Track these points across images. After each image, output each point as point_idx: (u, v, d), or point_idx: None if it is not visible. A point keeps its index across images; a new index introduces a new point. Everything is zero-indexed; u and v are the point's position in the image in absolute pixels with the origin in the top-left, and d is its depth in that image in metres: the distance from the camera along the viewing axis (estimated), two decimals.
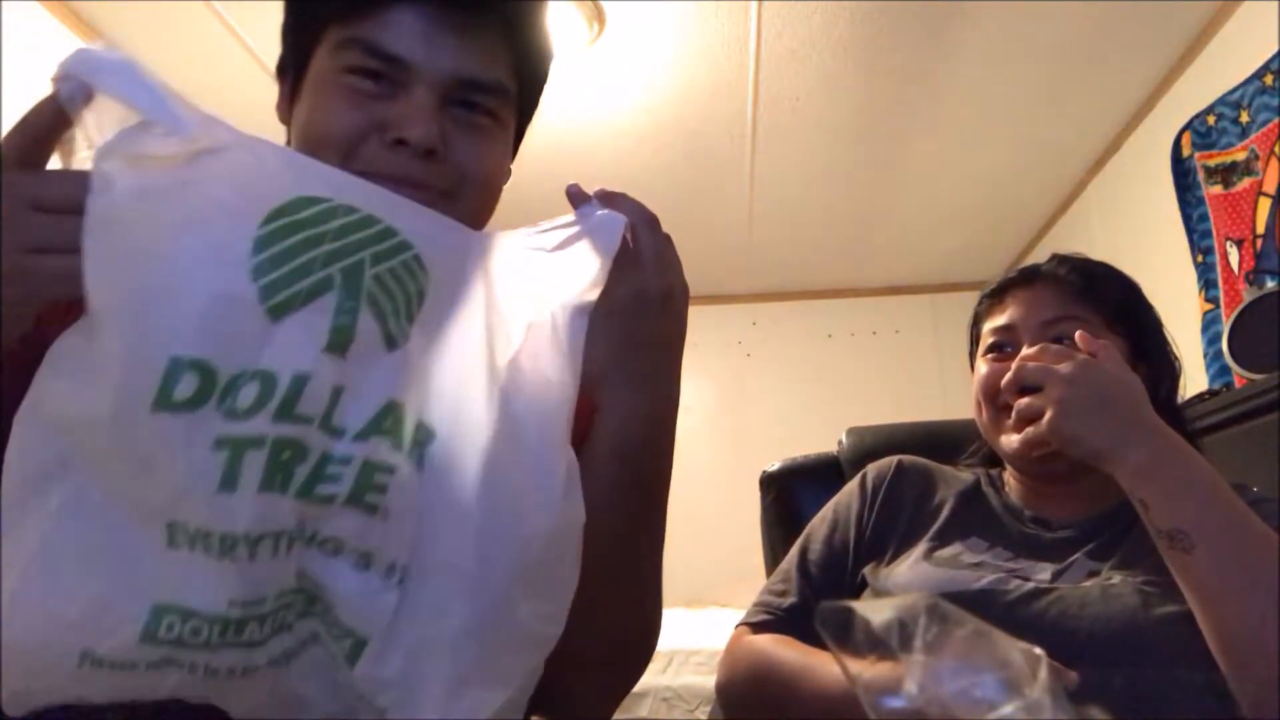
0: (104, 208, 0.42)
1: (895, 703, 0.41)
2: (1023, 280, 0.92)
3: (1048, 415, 0.74)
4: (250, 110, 2.91)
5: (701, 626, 2.51)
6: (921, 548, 0.86)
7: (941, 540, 0.87)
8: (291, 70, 0.68)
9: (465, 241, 0.56)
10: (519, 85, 0.69)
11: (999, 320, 0.91)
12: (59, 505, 0.44)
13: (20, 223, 0.45)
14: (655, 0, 2.09)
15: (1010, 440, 0.84)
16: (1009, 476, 0.94)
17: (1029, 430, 0.78)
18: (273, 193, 0.47)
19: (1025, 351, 0.82)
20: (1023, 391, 0.79)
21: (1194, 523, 0.68)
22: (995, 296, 0.94)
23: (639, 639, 0.69)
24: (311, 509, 0.48)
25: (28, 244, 0.44)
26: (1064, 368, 0.75)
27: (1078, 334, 0.80)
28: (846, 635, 0.45)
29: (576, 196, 0.60)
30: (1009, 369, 0.84)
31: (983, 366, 0.90)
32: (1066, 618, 0.72)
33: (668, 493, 0.66)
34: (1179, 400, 0.93)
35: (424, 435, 0.52)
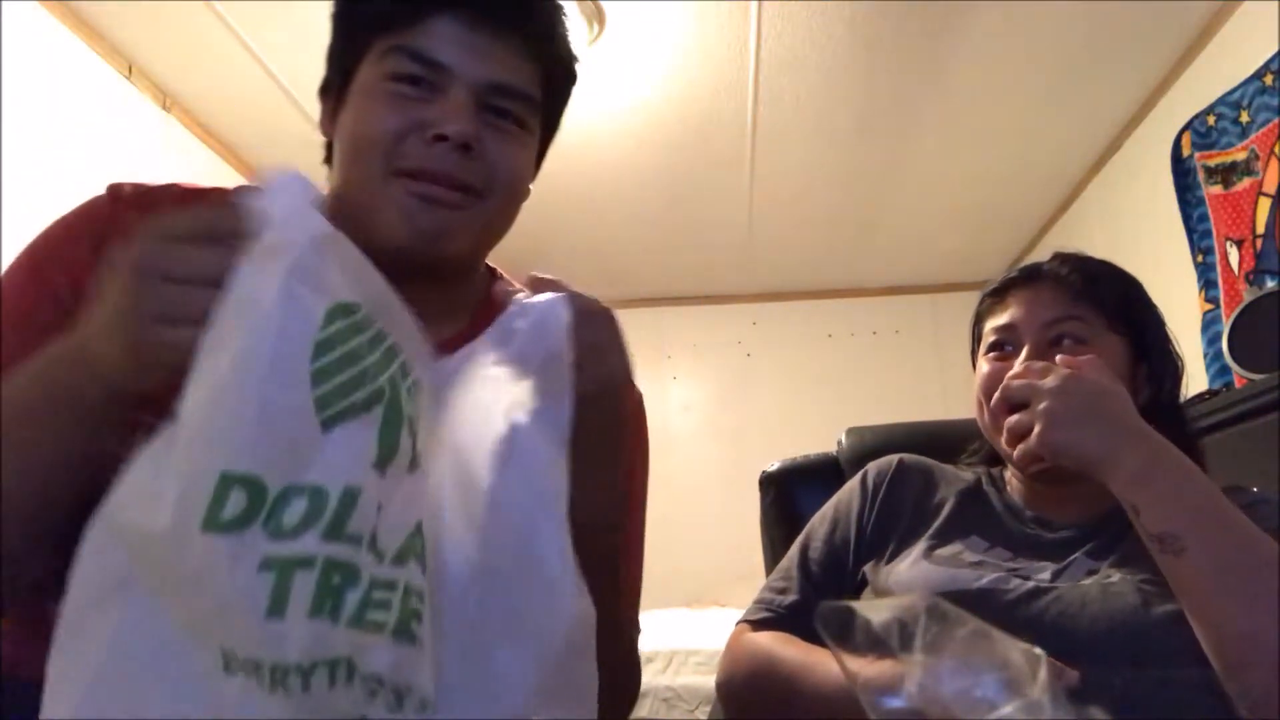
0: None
1: (895, 703, 0.41)
2: (1024, 279, 0.92)
3: (1036, 429, 0.74)
4: (250, 111, 2.91)
5: (701, 626, 2.51)
6: (922, 546, 0.86)
7: (942, 539, 0.87)
8: (336, 87, 0.73)
9: (445, 362, 0.57)
10: (544, 96, 0.76)
11: (1000, 319, 0.91)
12: (121, 621, 0.43)
13: (149, 292, 0.46)
14: (655, 0, 2.09)
15: (1012, 450, 0.84)
16: (1010, 476, 0.94)
17: (1021, 447, 0.77)
18: (329, 294, 0.46)
19: (1010, 372, 0.83)
20: (1011, 410, 0.80)
21: (1185, 526, 0.68)
22: (997, 295, 0.94)
23: (620, 707, 0.74)
24: (364, 638, 0.44)
25: (153, 314, 0.46)
26: (1048, 381, 0.75)
27: (1058, 358, 0.80)
28: (846, 635, 0.45)
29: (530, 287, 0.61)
30: (1010, 368, 0.85)
31: (984, 366, 0.90)
32: (1066, 617, 0.73)
33: (621, 569, 0.71)
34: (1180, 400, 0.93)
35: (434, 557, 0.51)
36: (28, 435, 0.52)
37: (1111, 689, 0.65)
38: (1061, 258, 0.92)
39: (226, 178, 2.70)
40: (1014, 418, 0.78)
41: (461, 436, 0.53)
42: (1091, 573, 0.78)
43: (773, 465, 1.25)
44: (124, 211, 0.69)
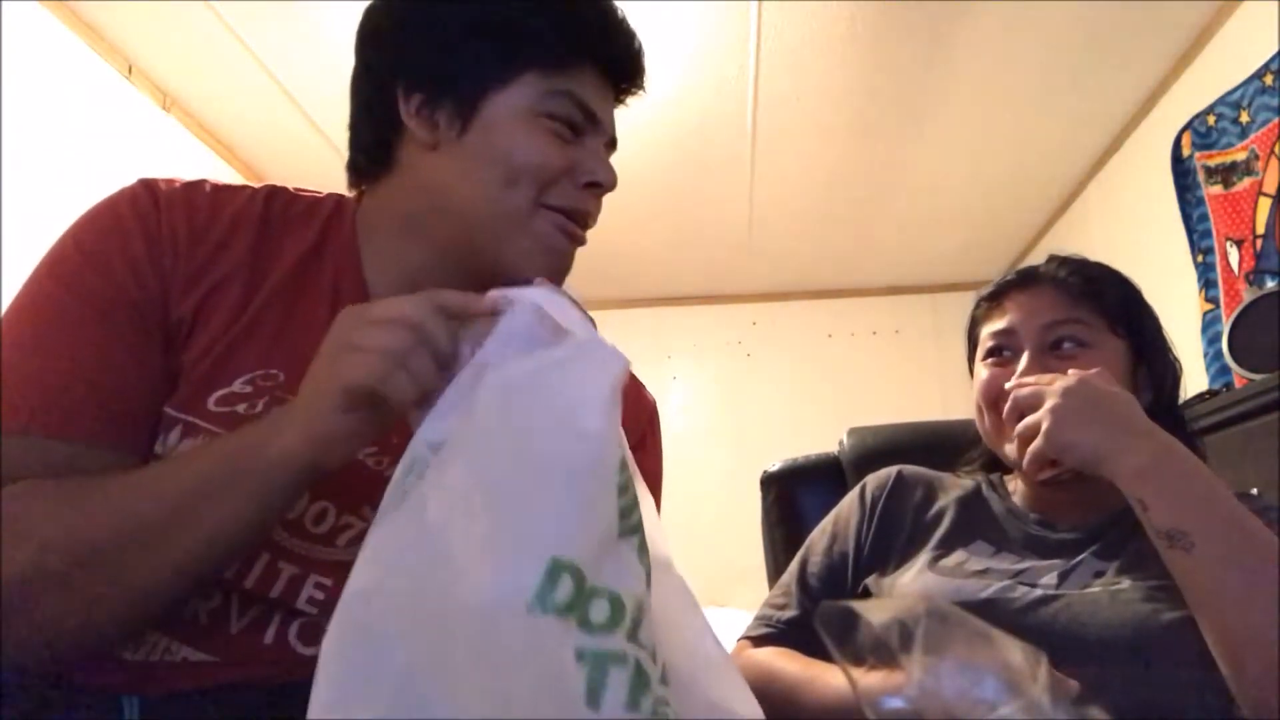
0: (495, 378, 0.47)
1: (895, 703, 0.41)
2: (1021, 283, 0.91)
3: (1044, 427, 0.75)
4: (250, 111, 2.91)
5: None
6: (925, 557, 0.85)
7: (945, 548, 0.86)
8: (460, 94, 0.71)
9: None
10: None
11: (998, 324, 0.90)
12: (396, 704, 0.40)
13: (410, 354, 0.52)
14: (655, 0, 2.09)
15: (1016, 449, 0.84)
16: (1012, 481, 0.93)
17: (1030, 449, 0.77)
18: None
19: (1013, 379, 0.83)
20: (1022, 417, 0.80)
21: (1193, 522, 0.68)
22: (993, 300, 0.93)
23: None
24: None
25: (403, 373, 0.52)
26: (1056, 383, 0.77)
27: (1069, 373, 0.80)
28: (847, 636, 0.45)
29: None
30: (1010, 374, 0.85)
31: (983, 372, 0.90)
32: (1077, 624, 0.72)
33: None
34: (1180, 400, 0.92)
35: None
36: (206, 510, 0.55)
37: (1112, 690, 0.65)
38: (1059, 260, 0.91)
39: (227, 178, 2.69)
40: (1024, 422, 0.79)
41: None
42: (1099, 574, 0.78)
43: (774, 465, 1.25)
44: (160, 200, 0.69)
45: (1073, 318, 0.86)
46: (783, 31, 2.23)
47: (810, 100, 2.53)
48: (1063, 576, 0.78)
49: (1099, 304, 0.87)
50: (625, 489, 0.47)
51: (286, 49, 2.21)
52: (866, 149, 2.80)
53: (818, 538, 0.95)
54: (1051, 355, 0.86)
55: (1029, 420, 0.77)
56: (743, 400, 3.91)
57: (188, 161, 2.53)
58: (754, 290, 3.94)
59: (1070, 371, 0.79)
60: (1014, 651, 0.42)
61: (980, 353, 0.92)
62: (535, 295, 0.52)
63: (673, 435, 3.93)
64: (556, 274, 0.75)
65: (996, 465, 0.95)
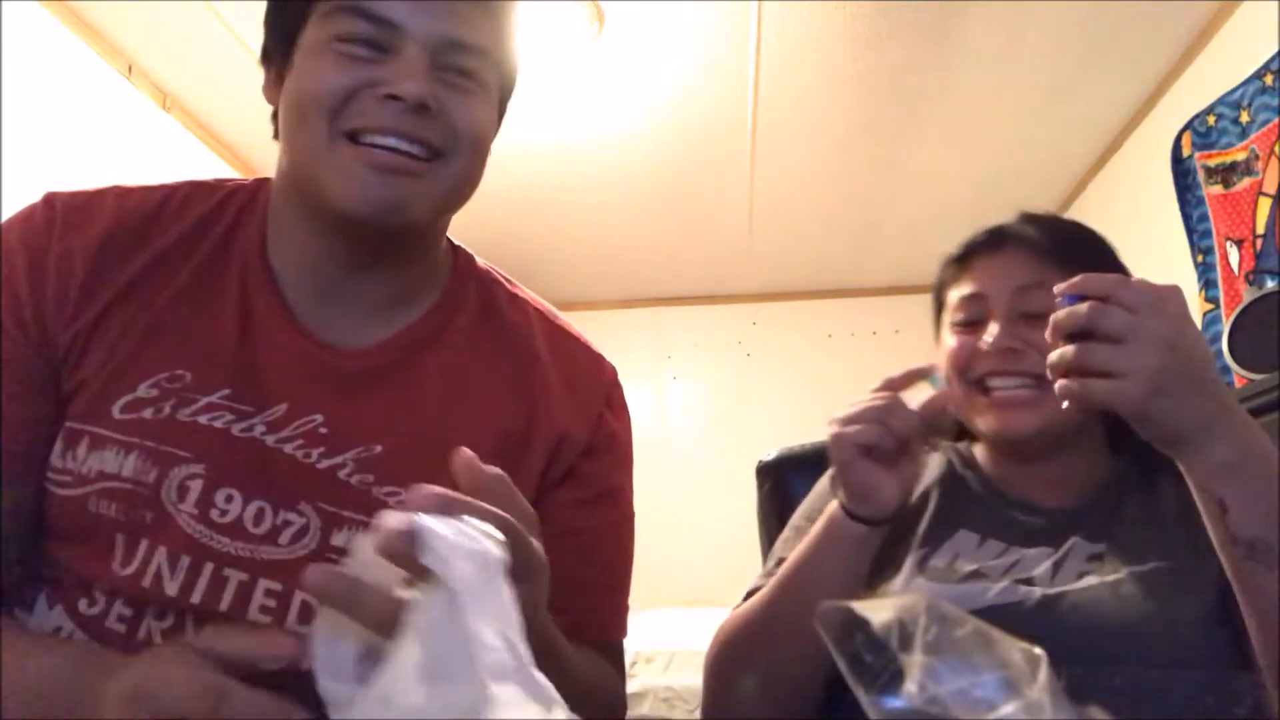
0: None
1: (895, 703, 0.41)
2: (990, 244, 0.85)
3: (1130, 382, 0.58)
4: (250, 111, 2.92)
5: (701, 626, 2.51)
6: (912, 558, 0.81)
7: (932, 542, 0.82)
8: (279, 52, 0.69)
9: None
10: (499, 53, 0.71)
11: (967, 289, 0.84)
12: None
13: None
14: (655, 0, 2.09)
15: (988, 421, 0.79)
16: (980, 451, 0.90)
17: (1107, 385, 0.60)
18: None
19: (1082, 282, 0.63)
20: (1070, 338, 0.62)
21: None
22: (961, 262, 0.87)
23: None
24: None
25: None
26: (1157, 324, 0.59)
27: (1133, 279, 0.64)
28: (847, 636, 0.45)
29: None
30: (981, 342, 0.80)
31: (951, 339, 0.84)
32: (1081, 628, 0.70)
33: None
34: None
35: None
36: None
37: (1112, 689, 0.65)
38: (1028, 218, 0.86)
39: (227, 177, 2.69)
40: (1097, 349, 0.60)
41: None
42: (1093, 557, 0.75)
43: (769, 454, 1.23)
44: (59, 220, 0.67)
45: (1045, 280, 0.77)
46: (783, 31, 2.23)
47: (810, 100, 2.53)
48: (1056, 566, 0.76)
49: (1072, 264, 0.78)
50: None
51: None
52: (866, 149, 2.80)
53: (790, 537, 0.90)
54: (1023, 321, 0.80)
55: (1106, 352, 0.60)
56: (743, 400, 3.91)
57: (188, 161, 2.53)
58: (754, 290, 3.94)
59: (1162, 308, 0.61)
60: (1014, 651, 0.42)
61: (948, 318, 0.87)
62: (460, 583, 0.39)
63: (672, 435, 3.94)
64: (375, 209, 0.65)
65: (964, 434, 0.91)
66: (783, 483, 1.20)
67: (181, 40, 2.21)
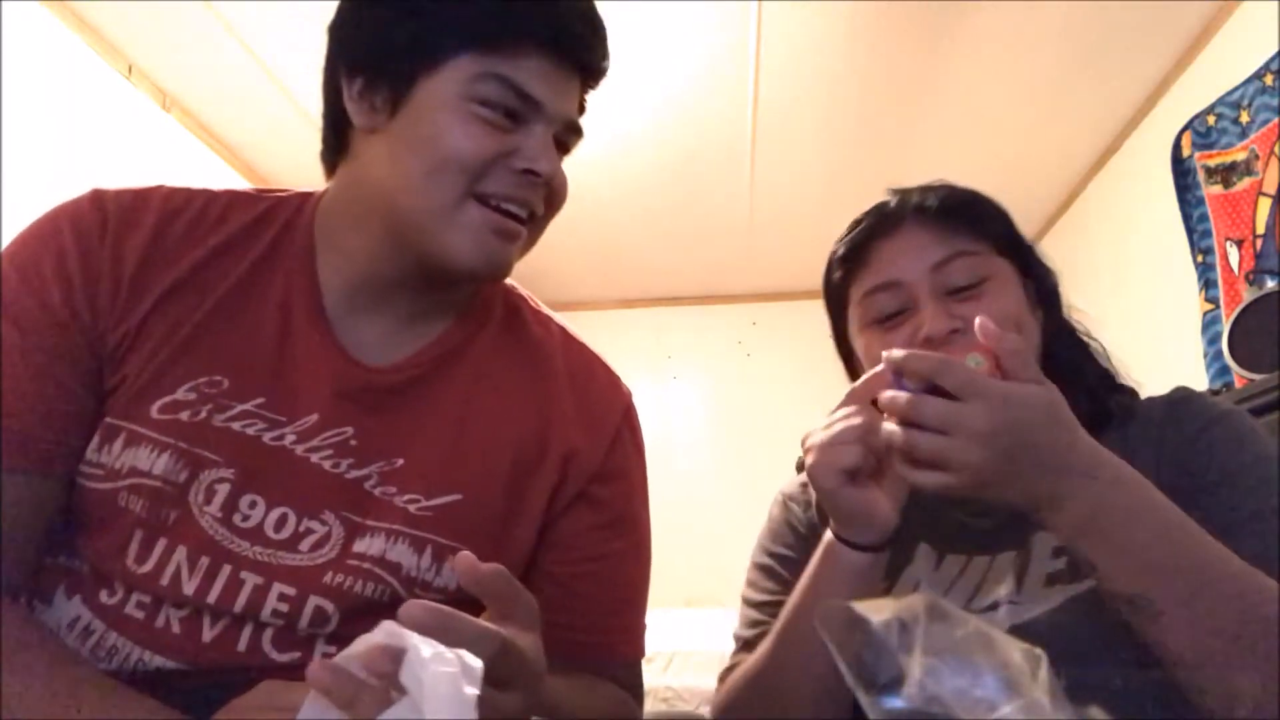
0: None
1: (895, 703, 0.41)
2: (885, 227, 0.78)
3: (956, 477, 0.59)
4: (250, 111, 2.92)
5: (701, 626, 2.51)
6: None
7: (889, 571, 0.76)
8: (393, 82, 0.68)
9: None
10: None
11: (876, 279, 0.77)
12: None
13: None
14: (655, 1, 2.09)
15: (903, 468, 0.65)
16: None
17: (932, 477, 0.60)
18: None
19: (899, 358, 0.62)
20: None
21: (1155, 585, 0.57)
22: (855, 255, 0.80)
23: None
24: None
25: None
26: (977, 412, 0.58)
27: (978, 322, 0.62)
28: (847, 636, 0.45)
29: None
30: (917, 333, 0.72)
31: (874, 339, 0.77)
32: (1064, 637, 0.67)
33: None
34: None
35: None
36: None
37: (1112, 689, 0.65)
38: (920, 190, 0.79)
39: (226, 178, 2.70)
40: (926, 442, 0.60)
41: None
42: (1057, 553, 0.71)
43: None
44: (110, 219, 0.68)
45: (959, 251, 0.73)
46: (783, 31, 2.23)
47: (810, 100, 2.53)
48: (1019, 579, 0.71)
49: (977, 230, 0.75)
50: None
51: (287, 49, 2.21)
52: (866, 149, 2.80)
53: (756, 570, 0.87)
54: (950, 298, 0.73)
55: (929, 446, 0.59)
56: (743, 400, 3.91)
57: (188, 161, 2.53)
58: (754, 290, 3.94)
59: (977, 326, 0.62)
60: (1014, 651, 0.42)
61: (859, 318, 0.80)
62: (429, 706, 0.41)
63: (672, 435, 3.94)
64: (490, 270, 0.70)
65: None
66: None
67: (181, 40, 2.21)
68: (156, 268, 0.68)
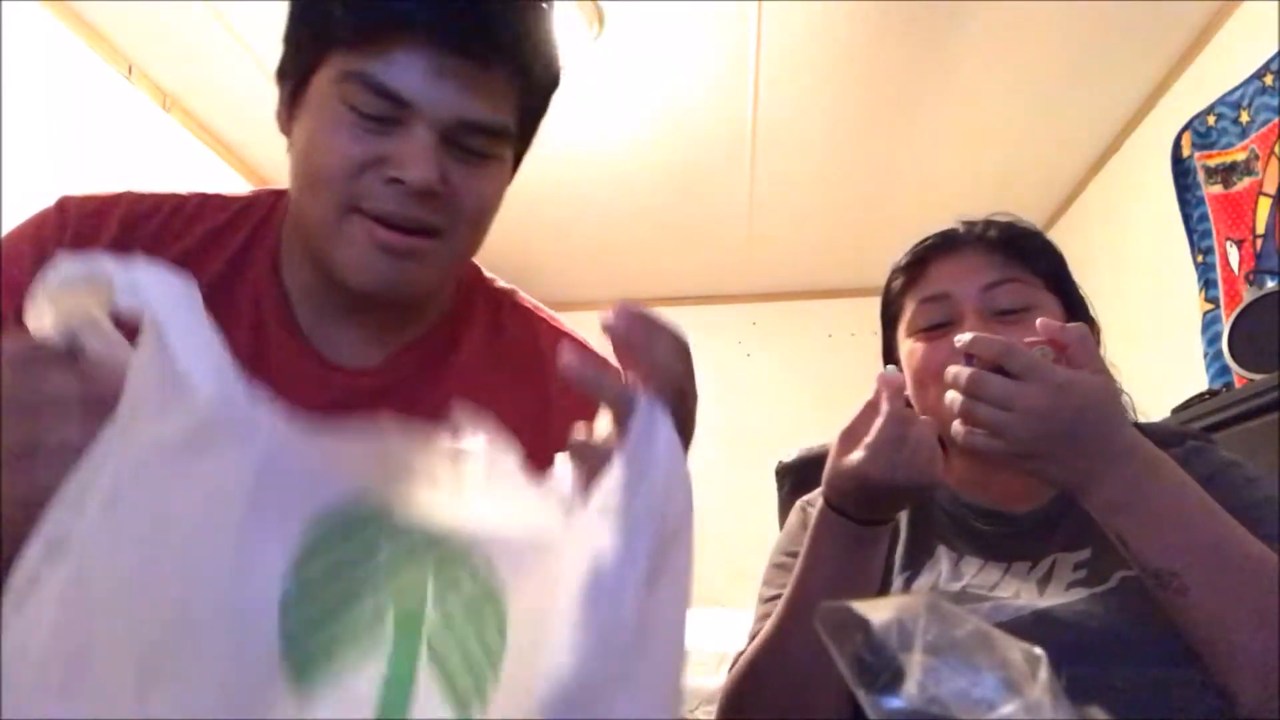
0: (116, 480, 0.32)
1: (895, 703, 0.41)
2: (945, 247, 0.84)
3: (1008, 447, 0.65)
4: (250, 111, 2.92)
5: (702, 626, 2.51)
6: (897, 582, 0.81)
7: (912, 566, 0.81)
8: (292, 80, 0.67)
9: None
10: (520, 122, 0.68)
11: (930, 289, 0.82)
12: None
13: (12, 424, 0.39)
14: (655, 1, 2.10)
15: (959, 428, 0.73)
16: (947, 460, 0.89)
17: (981, 440, 0.67)
18: (311, 505, 0.35)
19: (970, 340, 0.68)
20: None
21: (1183, 561, 0.62)
22: (915, 268, 0.86)
23: None
24: None
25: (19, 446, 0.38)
26: (1035, 393, 0.64)
27: (1039, 321, 0.69)
28: (847, 636, 0.45)
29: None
30: (956, 342, 0.74)
31: (917, 347, 0.81)
32: (1073, 638, 0.69)
33: None
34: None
35: None
36: None
37: (1112, 689, 0.65)
38: (980, 222, 0.85)
39: (226, 178, 2.70)
40: (980, 408, 0.66)
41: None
42: (1078, 566, 0.74)
43: (789, 455, 1.21)
44: (70, 227, 0.67)
45: (1010, 277, 0.79)
46: (783, 31, 2.23)
47: (810, 100, 2.53)
48: (1041, 585, 0.74)
49: (1031, 263, 0.81)
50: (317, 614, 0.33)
51: None
52: (866, 149, 2.80)
53: (772, 574, 0.88)
54: (995, 320, 0.78)
55: (991, 417, 0.66)
56: (743, 400, 3.90)
57: (188, 161, 2.53)
58: (754, 290, 3.94)
59: (1040, 322, 0.68)
60: (1014, 651, 0.42)
61: (908, 325, 0.84)
62: (157, 308, 0.34)
63: None
64: (387, 289, 0.64)
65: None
66: (803, 484, 1.16)
67: (181, 40, 2.21)
68: None
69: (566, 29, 2.14)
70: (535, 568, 0.39)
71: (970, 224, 0.85)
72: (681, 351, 0.54)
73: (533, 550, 0.40)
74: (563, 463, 0.47)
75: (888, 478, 0.68)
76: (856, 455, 0.70)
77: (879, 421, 0.69)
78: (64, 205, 0.68)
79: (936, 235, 0.86)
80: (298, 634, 0.33)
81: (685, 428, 0.51)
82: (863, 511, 0.72)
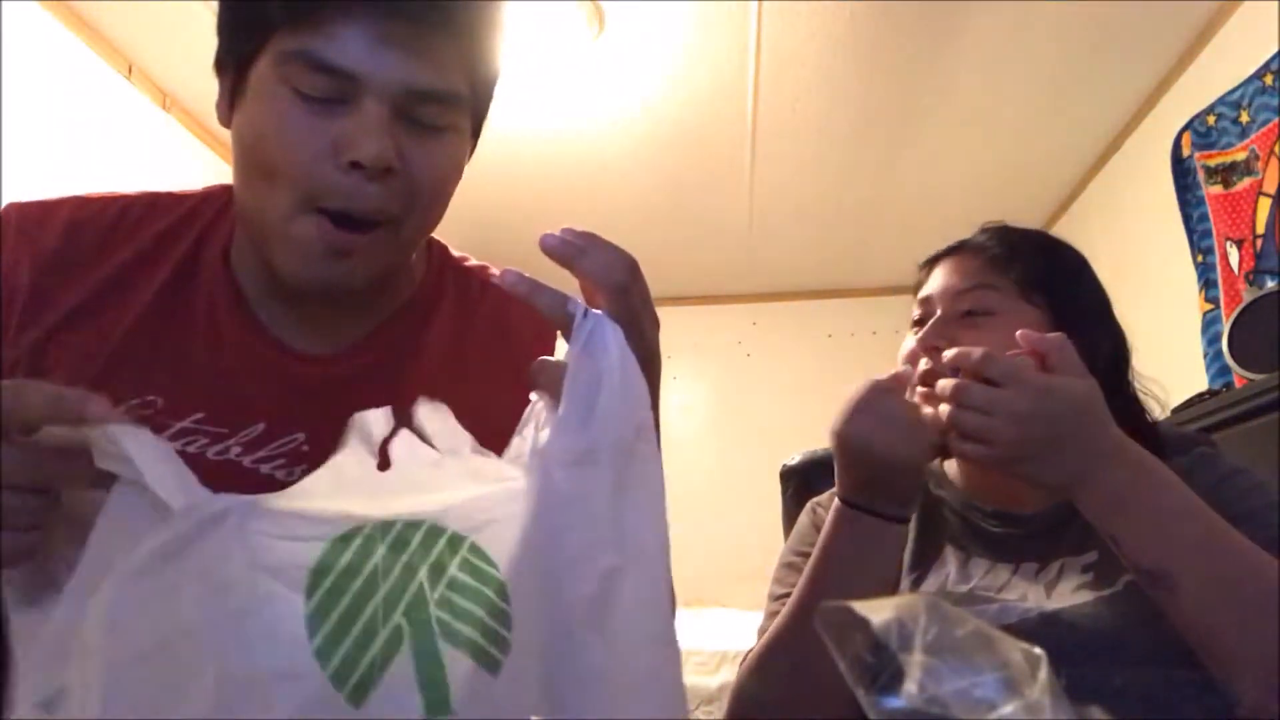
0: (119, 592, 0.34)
1: (895, 703, 0.41)
2: (950, 250, 0.89)
3: (996, 452, 0.67)
4: None
5: (701, 626, 2.51)
6: (905, 582, 0.82)
7: (920, 567, 0.82)
8: (231, 71, 0.64)
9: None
10: (473, 88, 0.65)
11: (921, 292, 0.88)
12: None
13: None
14: (655, 1, 2.09)
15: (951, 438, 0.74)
16: (950, 465, 0.90)
17: (969, 448, 0.68)
18: (304, 551, 0.37)
19: (954, 355, 0.71)
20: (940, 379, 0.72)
21: (1174, 559, 0.63)
22: (927, 267, 0.91)
23: None
24: None
25: None
26: (1013, 401, 0.66)
27: (1019, 333, 0.70)
28: (847, 636, 0.45)
29: (554, 250, 0.53)
30: (922, 340, 0.82)
31: (908, 339, 0.86)
32: (1078, 640, 0.70)
33: None
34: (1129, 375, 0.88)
35: None
36: None
37: (1112, 689, 0.65)
38: (990, 228, 0.90)
39: (226, 178, 2.69)
40: (964, 415, 0.68)
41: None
42: (1086, 569, 0.75)
43: (793, 459, 1.21)
44: (9, 231, 0.65)
45: (983, 284, 0.82)
46: (783, 31, 2.23)
47: (810, 100, 2.53)
48: (1049, 587, 0.75)
49: (1012, 271, 0.82)
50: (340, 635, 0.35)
51: None
52: (866, 149, 2.80)
53: (783, 574, 0.89)
54: (959, 324, 0.81)
55: (978, 423, 0.67)
56: (743, 400, 3.91)
57: (188, 162, 2.53)
58: (754, 290, 3.94)
59: (1020, 334, 0.70)
60: (1014, 651, 0.42)
61: (910, 319, 0.91)
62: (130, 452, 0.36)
63: (671, 436, 3.93)
64: (325, 284, 0.61)
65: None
66: (807, 487, 1.16)
67: (181, 40, 2.21)
68: (57, 287, 0.63)
69: (566, 29, 2.14)
70: (509, 516, 0.42)
71: (980, 232, 0.90)
72: (626, 266, 0.53)
73: (505, 501, 0.42)
74: (533, 403, 0.49)
75: (865, 442, 0.72)
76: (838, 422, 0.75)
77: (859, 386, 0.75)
78: (7, 211, 0.66)
79: (958, 241, 0.91)
80: (340, 670, 0.35)
81: (644, 350, 0.50)
82: (875, 499, 0.74)
